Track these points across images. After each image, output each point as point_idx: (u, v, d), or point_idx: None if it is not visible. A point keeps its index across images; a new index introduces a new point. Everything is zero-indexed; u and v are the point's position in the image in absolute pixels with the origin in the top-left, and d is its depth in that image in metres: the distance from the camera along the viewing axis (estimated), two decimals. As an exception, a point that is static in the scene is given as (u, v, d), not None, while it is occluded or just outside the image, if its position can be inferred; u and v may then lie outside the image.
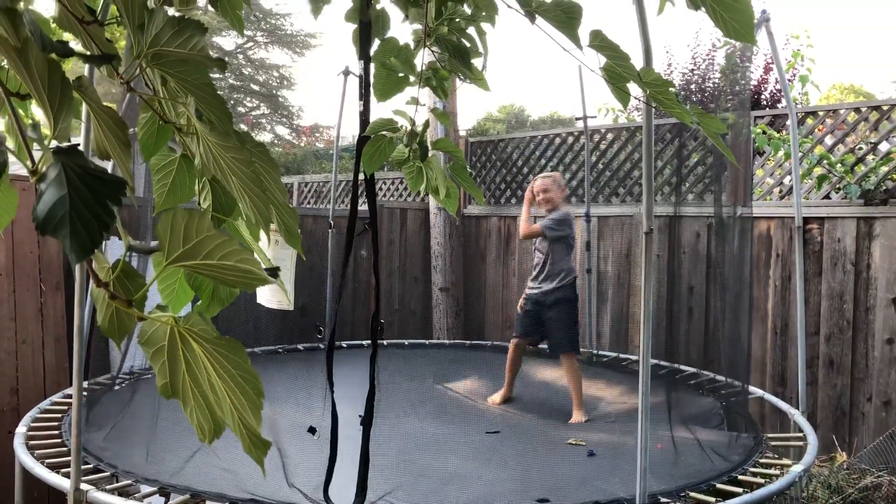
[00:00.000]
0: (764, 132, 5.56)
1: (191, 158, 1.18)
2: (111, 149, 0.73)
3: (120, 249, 0.82)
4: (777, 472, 3.25)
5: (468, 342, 6.77)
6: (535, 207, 5.05)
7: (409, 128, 2.25)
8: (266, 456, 0.77)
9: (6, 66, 0.66)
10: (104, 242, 0.61)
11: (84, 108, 0.85)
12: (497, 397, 4.83)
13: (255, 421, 0.73)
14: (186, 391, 0.77)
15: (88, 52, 0.78)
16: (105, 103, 0.74)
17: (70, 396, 4.07)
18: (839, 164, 5.32)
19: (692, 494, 2.99)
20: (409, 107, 2.28)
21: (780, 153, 5.56)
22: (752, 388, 4.80)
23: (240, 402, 0.73)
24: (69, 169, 0.58)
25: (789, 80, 7.59)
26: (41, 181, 0.56)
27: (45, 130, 0.67)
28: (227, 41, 23.08)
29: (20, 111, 0.73)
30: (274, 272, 0.71)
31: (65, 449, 3.47)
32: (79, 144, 0.65)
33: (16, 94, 0.68)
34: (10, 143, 0.65)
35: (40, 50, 0.62)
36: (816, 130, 5.63)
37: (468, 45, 2.25)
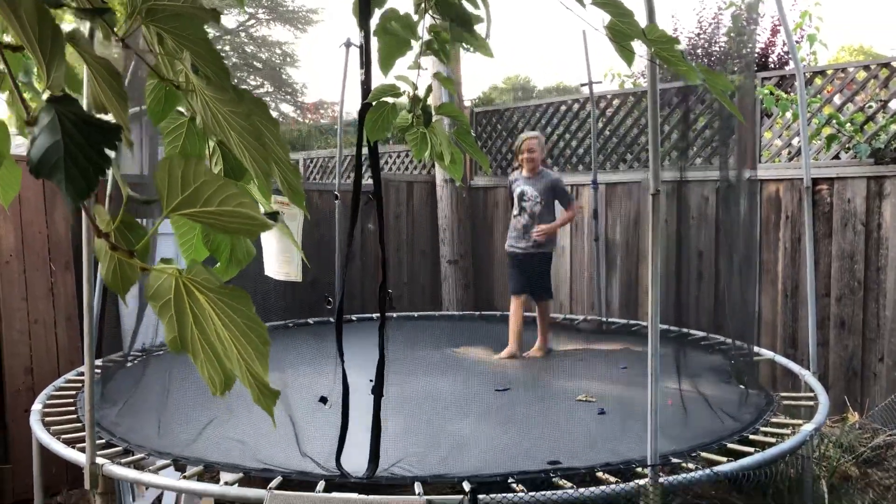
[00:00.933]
0: (772, 93, 5.50)
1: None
2: (107, 100, 0.72)
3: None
4: (788, 431, 3.26)
5: (478, 313, 6.79)
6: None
7: (412, 93, 2.24)
8: (275, 405, 0.77)
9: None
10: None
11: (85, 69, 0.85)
12: (506, 352, 5.05)
13: (263, 369, 0.73)
14: (195, 344, 0.77)
15: (81, 6, 0.77)
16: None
17: (83, 374, 4.11)
18: (848, 124, 5.27)
19: (703, 454, 3.00)
20: (412, 72, 2.26)
21: (789, 114, 5.50)
22: (763, 351, 4.81)
23: (246, 351, 0.73)
24: (63, 116, 0.58)
25: (797, 41, 7.49)
26: (33, 125, 0.56)
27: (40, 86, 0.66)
28: (228, 19, 22.92)
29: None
30: (274, 216, 0.70)
31: (80, 425, 3.51)
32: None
33: (7, 46, 0.68)
34: (3, 96, 0.64)
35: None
36: (825, 90, 5.56)
37: (470, 11, 2.22)
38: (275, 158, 0.94)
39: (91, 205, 0.67)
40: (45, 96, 0.59)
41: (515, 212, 5.25)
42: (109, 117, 0.71)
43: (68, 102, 0.59)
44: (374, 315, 6.20)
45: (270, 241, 3.29)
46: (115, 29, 0.90)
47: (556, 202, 5.21)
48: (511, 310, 5.21)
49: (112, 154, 0.59)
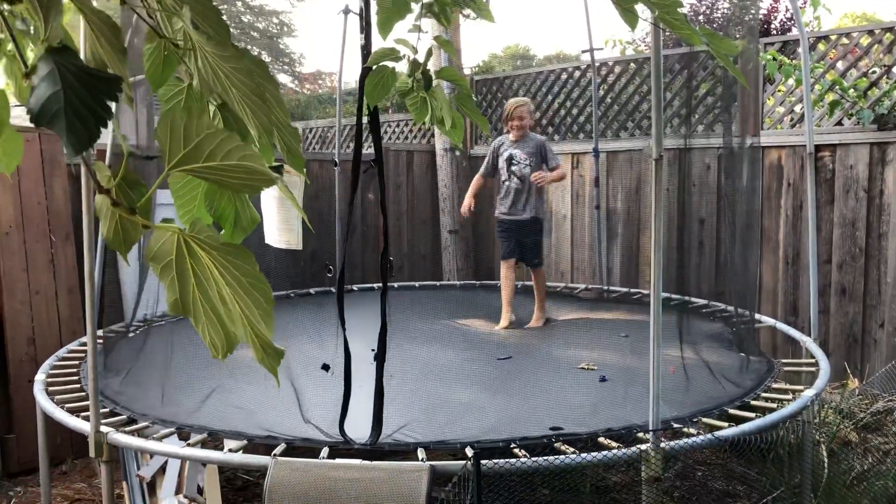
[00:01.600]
0: (774, 59, 5.44)
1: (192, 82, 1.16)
2: (106, 55, 0.70)
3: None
4: (789, 397, 3.27)
5: (478, 283, 6.79)
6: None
7: (412, 57, 2.21)
8: (279, 365, 0.76)
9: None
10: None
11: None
12: (503, 322, 5.05)
13: (267, 328, 0.72)
14: (197, 306, 0.76)
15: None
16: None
17: (86, 344, 4.12)
18: (852, 90, 5.23)
19: (704, 420, 3.02)
20: (412, 36, 2.23)
21: (791, 80, 5.45)
22: (763, 318, 4.81)
23: (250, 310, 0.72)
24: (62, 67, 0.56)
25: (801, 6, 7.41)
26: (32, 75, 0.54)
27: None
28: (224, -12, 22.66)
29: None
30: (278, 169, 0.69)
31: (83, 394, 3.52)
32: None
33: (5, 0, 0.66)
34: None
35: (26, -51, 0.60)
36: (828, 56, 5.51)
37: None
38: (275, 120, 0.93)
39: (91, 161, 0.65)
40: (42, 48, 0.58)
41: (504, 177, 5.24)
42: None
43: (67, 54, 0.58)
44: (376, 285, 6.21)
45: (271, 210, 3.28)
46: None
47: (544, 165, 5.22)
48: (502, 275, 5.24)
49: (113, 105, 0.57)
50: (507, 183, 5.21)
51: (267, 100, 0.81)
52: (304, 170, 1.04)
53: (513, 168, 5.16)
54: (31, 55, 0.86)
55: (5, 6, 0.61)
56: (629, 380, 3.56)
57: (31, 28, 0.79)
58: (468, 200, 5.42)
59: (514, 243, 5.21)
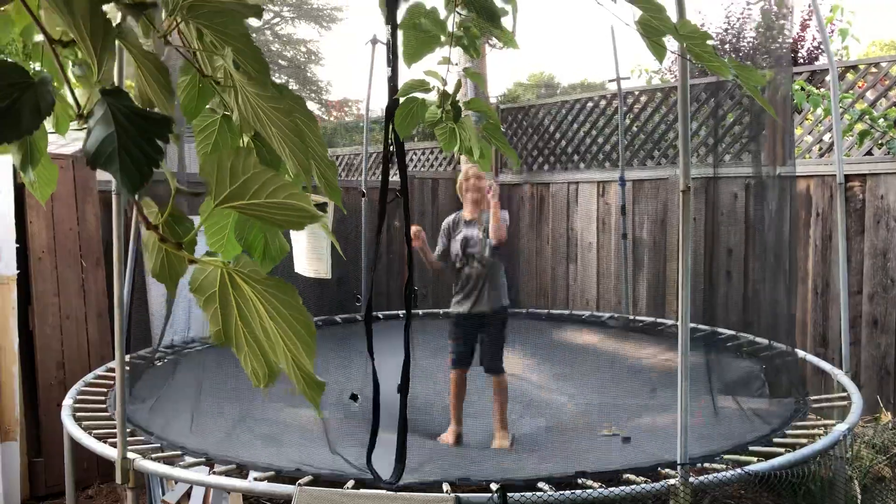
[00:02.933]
0: (802, 88, 5.42)
1: (232, 118, 1.18)
2: (154, 95, 0.72)
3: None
4: (820, 431, 3.21)
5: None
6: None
7: (441, 88, 2.23)
8: (321, 397, 0.77)
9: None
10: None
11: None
12: (450, 436, 3.96)
13: (310, 362, 0.73)
14: (239, 336, 0.77)
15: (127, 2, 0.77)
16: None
17: (113, 370, 4.16)
18: (881, 119, 5.18)
19: (733, 456, 2.97)
20: (441, 67, 2.26)
21: (820, 110, 5.42)
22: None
23: (293, 343, 0.73)
24: (115, 108, 0.58)
25: (828, 35, 7.39)
26: (88, 119, 0.56)
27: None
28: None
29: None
30: (322, 207, 0.70)
31: (110, 420, 3.55)
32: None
33: (58, 42, 0.68)
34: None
35: (81, -6, 0.62)
36: (857, 85, 5.48)
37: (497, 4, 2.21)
38: (313, 154, 0.94)
39: (125, 199, 0.67)
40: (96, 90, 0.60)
41: (459, 263, 4.28)
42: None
43: (119, 95, 0.60)
44: (401, 312, 6.21)
45: (300, 238, 3.30)
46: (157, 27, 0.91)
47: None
48: (452, 387, 4.08)
49: (164, 146, 0.59)
50: (464, 270, 4.27)
51: (305, 138, 0.83)
52: (341, 201, 1.05)
53: (469, 251, 4.25)
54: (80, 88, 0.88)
55: (59, 48, 0.63)
56: (657, 413, 3.52)
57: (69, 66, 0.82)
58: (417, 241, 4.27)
59: (469, 347, 4.19)
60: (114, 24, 0.66)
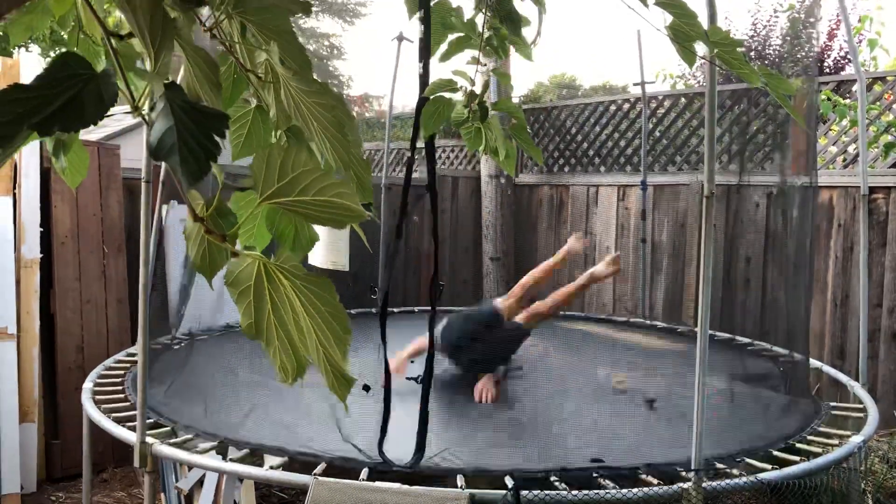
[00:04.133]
0: (828, 98, 5.39)
1: (265, 109, 1.20)
2: (202, 90, 0.74)
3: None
4: (835, 442, 3.20)
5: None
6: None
7: (468, 88, 2.25)
8: (349, 393, 0.79)
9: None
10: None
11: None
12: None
13: (342, 357, 0.75)
14: (271, 331, 0.79)
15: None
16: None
17: (132, 355, 4.21)
18: (908, 132, 5.15)
19: (747, 461, 2.97)
20: (469, 67, 2.27)
21: (845, 121, 5.39)
22: (810, 360, 4.72)
23: (327, 338, 0.74)
24: (173, 102, 0.60)
25: (856, 45, 7.34)
26: (150, 112, 0.58)
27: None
28: (278, 10, 23.13)
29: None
30: (368, 206, 0.72)
31: (128, 404, 3.59)
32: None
33: (115, 34, 0.70)
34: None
35: (140, -11, 0.64)
36: (885, 97, 5.44)
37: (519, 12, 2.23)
38: (352, 151, 0.96)
39: (186, 191, 0.69)
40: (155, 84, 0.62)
41: None
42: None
43: (176, 90, 0.61)
44: (416, 308, 6.23)
45: (319, 231, 3.32)
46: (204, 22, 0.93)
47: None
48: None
49: (220, 140, 0.61)
50: None
51: (346, 134, 0.84)
52: (372, 198, 1.06)
53: None
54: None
55: (114, 40, 0.65)
56: (672, 412, 3.52)
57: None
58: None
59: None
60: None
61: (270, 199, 0.70)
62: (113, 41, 0.68)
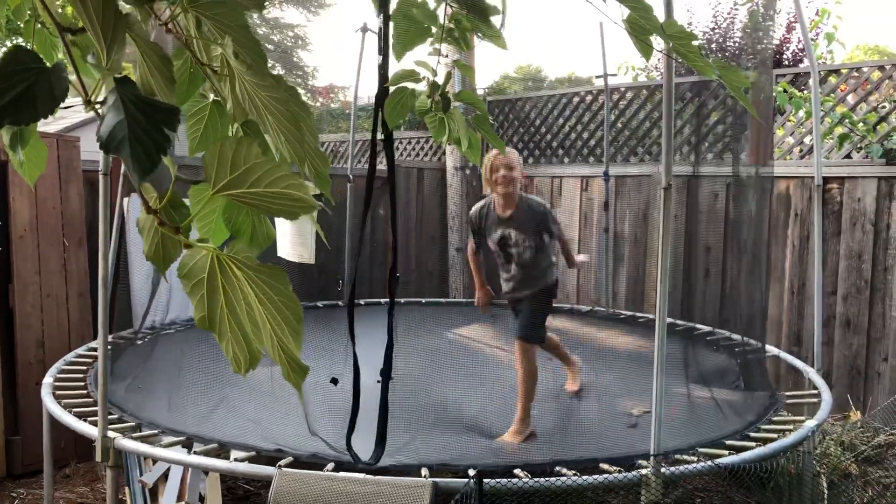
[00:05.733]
0: (785, 90, 5.50)
1: (223, 103, 1.21)
2: (156, 85, 0.75)
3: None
4: (791, 427, 3.29)
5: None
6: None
7: (431, 79, 2.26)
8: (304, 381, 0.80)
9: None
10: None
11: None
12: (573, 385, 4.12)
13: (296, 346, 0.76)
14: (223, 323, 0.80)
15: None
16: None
17: (94, 350, 4.17)
18: (861, 124, 5.27)
19: (705, 450, 3.03)
20: (431, 58, 2.29)
21: (801, 112, 5.50)
22: (768, 347, 4.83)
23: (280, 328, 0.76)
24: (125, 97, 0.61)
25: (813, 40, 7.48)
26: (101, 105, 0.59)
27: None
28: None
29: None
30: (319, 198, 0.73)
31: (90, 399, 3.56)
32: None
33: (67, 29, 0.71)
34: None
35: (92, -16, 0.65)
36: (839, 89, 5.56)
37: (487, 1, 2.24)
38: (307, 147, 0.97)
39: (114, 181, 0.70)
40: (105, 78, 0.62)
41: (500, 259, 4.09)
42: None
43: (128, 84, 0.62)
44: (383, 300, 6.23)
45: (285, 224, 3.32)
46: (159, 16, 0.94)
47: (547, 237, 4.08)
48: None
49: (171, 134, 0.62)
50: (507, 266, 4.07)
51: (301, 127, 0.86)
52: (330, 192, 1.08)
53: (511, 251, 4.00)
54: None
55: (69, 35, 0.65)
56: (631, 405, 3.58)
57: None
58: (481, 294, 4.32)
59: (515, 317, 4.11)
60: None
61: (223, 191, 0.71)
62: (67, 35, 0.69)
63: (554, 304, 4.22)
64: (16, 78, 0.59)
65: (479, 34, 2.32)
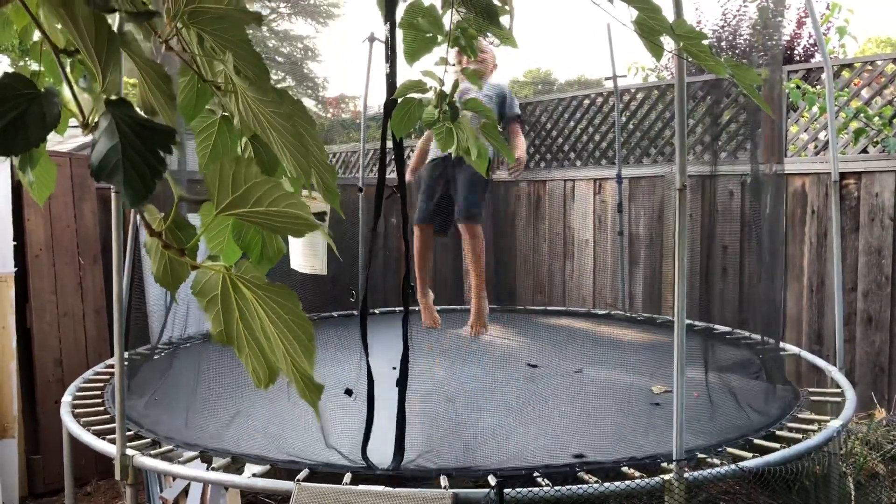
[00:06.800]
0: (798, 87, 5.45)
1: (231, 119, 1.20)
2: (157, 103, 0.74)
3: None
4: (815, 427, 3.24)
5: (499, 306, 6.79)
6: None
7: (438, 89, 2.24)
8: (320, 400, 0.79)
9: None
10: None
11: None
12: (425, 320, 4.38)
13: (309, 364, 0.75)
14: (241, 338, 0.79)
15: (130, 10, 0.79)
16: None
17: (112, 367, 4.18)
18: (877, 118, 5.21)
19: (729, 450, 3.00)
20: (438, 68, 2.27)
21: (815, 108, 5.44)
22: (788, 346, 4.78)
23: (293, 346, 0.74)
24: (119, 119, 0.59)
25: (824, 34, 7.41)
26: (93, 131, 0.57)
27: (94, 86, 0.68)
28: (250, 13, 22.97)
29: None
30: (321, 217, 0.72)
31: (109, 416, 3.56)
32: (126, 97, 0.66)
33: (63, 51, 0.70)
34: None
35: (85, 4, 0.63)
36: (853, 83, 5.50)
37: (496, 3, 2.22)
38: (312, 158, 0.95)
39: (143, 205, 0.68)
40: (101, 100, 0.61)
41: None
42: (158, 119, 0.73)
43: (124, 106, 0.61)
44: (397, 308, 6.22)
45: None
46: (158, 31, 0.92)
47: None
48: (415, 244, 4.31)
49: (167, 157, 0.60)
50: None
51: (306, 142, 0.84)
52: (339, 205, 1.06)
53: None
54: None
55: (64, 57, 0.64)
56: (653, 405, 3.55)
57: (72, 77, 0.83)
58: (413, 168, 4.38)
59: (434, 201, 4.28)
60: (116, 33, 0.68)
61: (227, 210, 0.69)
62: (63, 57, 0.68)
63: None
64: (7, 105, 0.58)
65: (491, 36, 2.30)
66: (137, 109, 0.66)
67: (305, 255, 3.19)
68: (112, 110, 0.60)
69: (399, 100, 2.20)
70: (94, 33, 0.64)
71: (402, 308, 2.84)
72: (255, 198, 0.68)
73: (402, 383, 2.64)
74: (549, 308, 6.68)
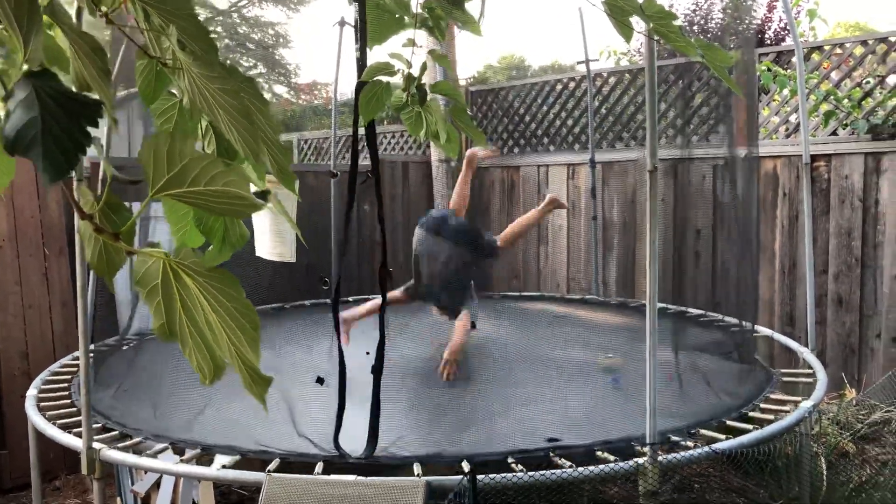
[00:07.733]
0: (769, 69, 5.46)
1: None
2: (90, 77, 0.69)
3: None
4: (787, 408, 3.25)
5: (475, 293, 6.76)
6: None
7: (406, 71, 2.20)
8: (267, 393, 0.75)
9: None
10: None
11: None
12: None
13: (254, 355, 0.71)
14: (184, 331, 0.75)
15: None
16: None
17: (79, 359, 4.09)
18: (846, 100, 5.24)
19: (702, 432, 3.00)
20: (406, 50, 2.22)
21: (786, 91, 5.46)
22: (760, 328, 4.80)
23: (237, 336, 0.70)
24: (41, 91, 0.55)
25: (795, 17, 7.43)
26: (7, 100, 0.53)
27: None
28: (220, 0, 22.70)
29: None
30: (264, 196, 0.68)
31: (75, 409, 3.49)
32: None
33: (-14, 21, 0.65)
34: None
35: (5, -31, 0.59)
36: (823, 66, 5.52)
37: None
38: (264, 138, 0.91)
39: (76, 186, 0.64)
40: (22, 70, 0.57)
41: None
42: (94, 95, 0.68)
43: (47, 77, 0.56)
44: (371, 296, 6.17)
45: (263, 221, 3.25)
46: (101, 6, 0.87)
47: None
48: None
49: (94, 131, 0.56)
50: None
51: (254, 121, 0.80)
52: (296, 187, 1.02)
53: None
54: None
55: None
56: (626, 389, 3.54)
57: None
58: None
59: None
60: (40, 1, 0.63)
61: (162, 191, 0.65)
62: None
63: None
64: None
65: (454, 20, 2.25)
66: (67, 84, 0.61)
67: (273, 241, 3.13)
68: (34, 81, 0.55)
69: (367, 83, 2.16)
70: (13, 0, 0.60)
71: (373, 296, 2.80)
72: (192, 176, 0.63)
73: (377, 370, 2.60)
74: (524, 294, 6.67)
